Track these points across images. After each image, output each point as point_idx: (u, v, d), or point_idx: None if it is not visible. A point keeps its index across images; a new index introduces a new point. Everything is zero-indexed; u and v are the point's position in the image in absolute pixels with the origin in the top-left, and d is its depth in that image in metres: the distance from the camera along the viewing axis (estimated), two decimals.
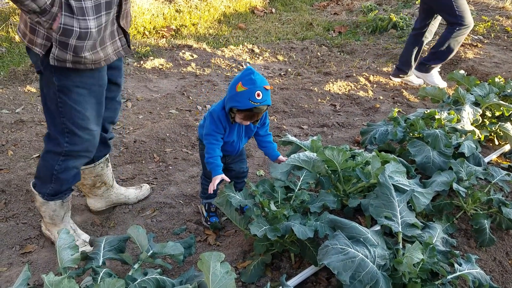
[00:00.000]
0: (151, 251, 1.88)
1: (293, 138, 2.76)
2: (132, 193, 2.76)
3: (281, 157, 2.46)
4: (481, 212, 2.50)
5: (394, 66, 5.00)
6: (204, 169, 2.50)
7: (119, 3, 1.95)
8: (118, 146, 3.31)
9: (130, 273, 1.76)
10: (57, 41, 1.79)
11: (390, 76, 4.93)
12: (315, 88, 4.52)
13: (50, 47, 1.83)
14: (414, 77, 4.82)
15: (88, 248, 2.25)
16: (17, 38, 5.28)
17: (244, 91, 2.06)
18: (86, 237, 2.40)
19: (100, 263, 1.84)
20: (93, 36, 1.83)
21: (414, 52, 4.64)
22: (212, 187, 2.21)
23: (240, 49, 5.65)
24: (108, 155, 2.54)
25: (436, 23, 4.55)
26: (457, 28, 4.25)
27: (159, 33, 6.09)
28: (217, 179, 2.21)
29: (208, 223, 2.55)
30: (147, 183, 2.92)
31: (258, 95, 2.06)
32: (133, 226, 1.92)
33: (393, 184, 2.20)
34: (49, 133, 2.13)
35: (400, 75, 4.82)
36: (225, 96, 2.22)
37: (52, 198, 2.25)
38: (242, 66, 5.17)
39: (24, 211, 2.66)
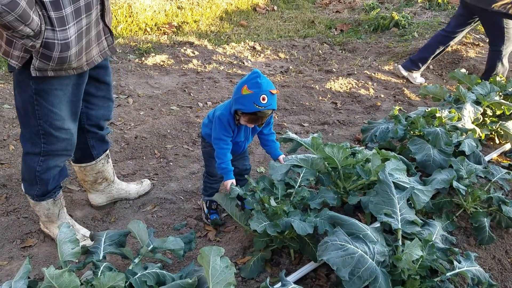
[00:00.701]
0: (152, 246, 1.89)
1: (294, 135, 2.76)
2: (133, 188, 2.77)
3: (281, 158, 2.46)
4: (481, 210, 2.51)
5: (408, 57, 4.93)
6: (207, 167, 2.50)
7: (101, 0, 1.92)
8: (119, 142, 3.31)
9: (130, 267, 1.77)
10: (39, 54, 1.75)
11: (399, 66, 4.85)
12: (316, 86, 4.52)
13: (28, 59, 1.78)
14: (418, 75, 4.80)
15: (88, 242, 2.26)
16: None
17: (249, 94, 2.06)
18: (85, 231, 2.41)
19: (101, 257, 1.85)
20: (73, 44, 1.79)
21: (437, 52, 4.61)
22: (224, 190, 2.26)
23: (242, 47, 5.65)
24: (108, 150, 2.55)
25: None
26: (499, 49, 4.23)
27: (160, 29, 6.09)
28: (229, 183, 2.25)
29: (209, 220, 2.56)
30: (148, 179, 2.93)
31: (263, 99, 2.05)
32: (133, 221, 1.93)
33: (393, 182, 2.21)
34: (24, 134, 2.09)
35: (413, 69, 4.75)
36: (230, 98, 2.22)
37: (42, 199, 2.23)
38: (243, 63, 5.17)
39: (25, 205, 2.67)
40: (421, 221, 2.13)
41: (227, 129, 2.22)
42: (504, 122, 3.39)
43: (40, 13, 1.66)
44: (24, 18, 1.60)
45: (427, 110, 3.13)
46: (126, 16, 6.07)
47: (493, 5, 3.95)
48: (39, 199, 2.24)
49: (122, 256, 1.93)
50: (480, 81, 3.74)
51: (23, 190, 2.28)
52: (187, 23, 6.46)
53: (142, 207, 2.73)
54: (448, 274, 1.91)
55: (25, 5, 1.58)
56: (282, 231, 2.09)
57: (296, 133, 3.65)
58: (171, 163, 3.17)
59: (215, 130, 2.25)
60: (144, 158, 3.21)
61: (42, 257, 2.33)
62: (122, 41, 5.37)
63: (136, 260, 1.82)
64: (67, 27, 1.74)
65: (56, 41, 1.73)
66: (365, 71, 4.96)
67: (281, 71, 5.04)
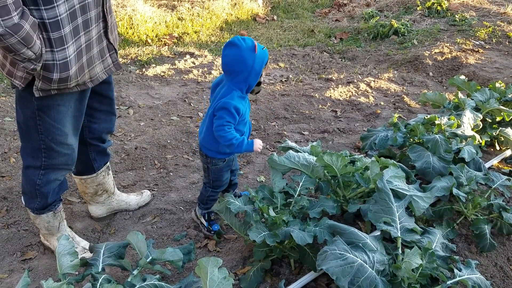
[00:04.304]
0: (150, 257, 1.88)
1: (293, 144, 2.77)
2: (133, 199, 2.77)
3: None
4: (481, 217, 2.49)
5: None
6: (214, 181, 2.43)
7: (103, 18, 1.93)
8: (119, 153, 3.32)
9: (129, 279, 1.77)
10: (40, 76, 1.76)
11: None
12: (316, 94, 4.53)
13: (31, 80, 1.79)
14: None
15: (88, 255, 2.26)
16: None
17: (259, 53, 2.07)
18: (85, 244, 2.41)
19: (100, 269, 1.84)
20: (72, 63, 1.80)
21: None
22: (260, 147, 2.22)
23: None
24: (108, 162, 2.55)
25: None
26: None
27: (161, 40, 6.14)
28: (257, 143, 2.21)
29: (212, 232, 2.54)
30: (148, 190, 2.93)
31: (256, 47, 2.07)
32: (132, 233, 1.93)
33: (392, 189, 2.20)
34: (24, 148, 2.09)
35: None
36: (231, 86, 2.13)
37: (42, 212, 2.23)
38: None
39: (25, 218, 2.67)
40: (421, 229, 2.13)
41: (234, 116, 2.12)
42: (504, 128, 3.38)
43: (40, 36, 1.68)
44: (27, 41, 1.60)
45: (426, 117, 3.13)
46: (127, 28, 6.13)
47: None
48: (39, 212, 2.24)
49: (122, 268, 1.93)
50: (479, 87, 3.74)
51: (23, 203, 2.29)
52: (188, 34, 6.51)
53: (142, 218, 2.73)
54: (448, 282, 1.90)
55: (29, 28, 1.60)
56: (282, 241, 2.09)
57: (296, 142, 3.66)
58: (171, 173, 3.17)
59: (219, 120, 2.12)
60: (144, 168, 3.22)
61: (42, 270, 2.33)
62: (123, 53, 5.41)
63: (135, 272, 1.81)
64: (65, 46, 1.75)
65: (55, 62, 1.74)
66: (365, 79, 4.98)
67: (281, 80, 5.06)
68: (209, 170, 2.41)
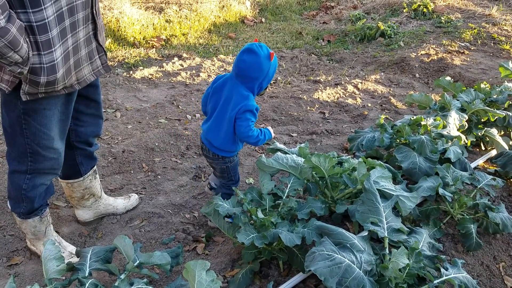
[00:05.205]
0: (138, 261, 1.87)
1: (281, 146, 2.77)
2: (120, 203, 2.75)
3: None
4: (467, 217, 2.52)
5: None
6: (234, 175, 2.52)
7: (92, 19, 1.91)
8: (106, 157, 3.30)
9: (116, 284, 1.76)
10: (27, 79, 1.74)
11: None
12: (305, 96, 4.55)
13: (18, 84, 1.77)
14: None
15: (74, 260, 2.24)
16: None
17: (273, 61, 2.23)
18: (72, 248, 2.39)
19: (87, 274, 1.82)
20: (59, 66, 1.78)
21: None
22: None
23: (230, 59, 5.68)
24: (95, 166, 2.53)
25: None
26: None
27: (149, 43, 6.11)
28: (270, 129, 2.41)
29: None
30: (135, 193, 2.91)
31: (272, 55, 2.21)
32: (119, 237, 1.91)
33: (379, 190, 2.22)
34: (10, 152, 2.06)
35: None
36: (244, 90, 2.24)
37: (28, 216, 2.21)
38: None
39: (11, 223, 2.63)
40: (408, 229, 2.14)
41: (256, 115, 2.29)
42: (489, 128, 3.43)
43: (27, 39, 1.66)
44: (14, 44, 1.58)
45: (412, 118, 3.16)
46: (114, 30, 6.09)
47: None
48: (25, 217, 2.22)
49: (109, 272, 1.91)
50: (465, 88, 3.79)
51: (9, 208, 2.26)
52: (176, 36, 6.49)
53: (130, 222, 2.71)
54: (435, 281, 1.92)
55: (16, 31, 1.58)
56: (270, 243, 2.09)
57: (284, 143, 3.66)
58: (159, 177, 3.16)
59: (245, 122, 2.23)
60: (132, 172, 3.20)
61: (29, 275, 2.30)
62: (110, 55, 5.37)
63: (122, 276, 1.80)
64: (53, 49, 1.73)
65: (42, 65, 1.72)
66: (352, 81, 5.01)
67: None
68: (229, 169, 2.48)
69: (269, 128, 2.40)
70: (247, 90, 2.24)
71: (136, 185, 3.05)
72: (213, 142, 2.35)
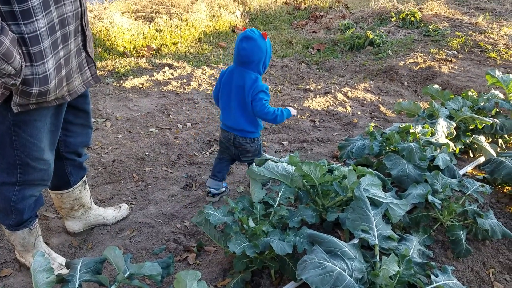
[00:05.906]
0: (128, 272, 1.85)
1: (270, 156, 2.78)
2: (110, 213, 2.73)
3: None
4: (457, 223, 2.55)
5: None
6: (260, 151, 2.81)
7: (82, 31, 1.92)
8: (96, 167, 3.28)
9: None
10: (18, 90, 1.73)
11: None
12: (295, 105, 4.58)
13: (9, 95, 1.76)
14: None
15: (64, 271, 2.21)
16: None
17: (267, 40, 2.52)
18: (62, 260, 2.36)
19: (77, 286, 1.80)
20: (52, 77, 1.78)
21: None
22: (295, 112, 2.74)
23: (221, 67, 5.70)
24: (85, 177, 2.52)
25: None
26: None
27: (139, 52, 6.12)
28: (292, 108, 2.71)
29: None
30: (126, 203, 2.89)
31: (265, 35, 2.49)
32: (109, 247, 1.90)
33: (369, 197, 2.23)
34: None
35: None
36: (252, 74, 2.52)
37: (17, 228, 2.18)
38: None
39: (0, 234, 2.61)
40: (398, 236, 2.16)
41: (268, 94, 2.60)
42: (477, 136, 3.47)
43: (19, 50, 1.66)
44: (7, 56, 1.58)
45: (401, 126, 3.19)
46: (104, 40, 6.09)
47: None
48: (14, 228, 2.19)
49: (99, 284, 1.89)
50: (453, 96, 3.84)
51: None
52: (166, 45, 6.51)
53: (120, 232, 2.69)
54: None
55: (9, 43, 1.57)
56: (262, 252, 2.09)
57: (275, 152, 3.68)
58: (149, 186, 3.15)
59: (262, 101, 2.52)
60: (122, 182, 3.18)
61: (18, 287, 2.27)
62: (100, 65, 5.36)
63: (113, 287, 1.78)
64: (45, 60, 1.73)
65: (34, 76, 1.72)
66: (342, 89, 5.05)
67: None
68: (257, 148, 2.77)
69: (289, 107, 2.65)
70: (255, 73, 2.52)
71: (126, 195, 3.04)
72: (244, 127, 2.64)
